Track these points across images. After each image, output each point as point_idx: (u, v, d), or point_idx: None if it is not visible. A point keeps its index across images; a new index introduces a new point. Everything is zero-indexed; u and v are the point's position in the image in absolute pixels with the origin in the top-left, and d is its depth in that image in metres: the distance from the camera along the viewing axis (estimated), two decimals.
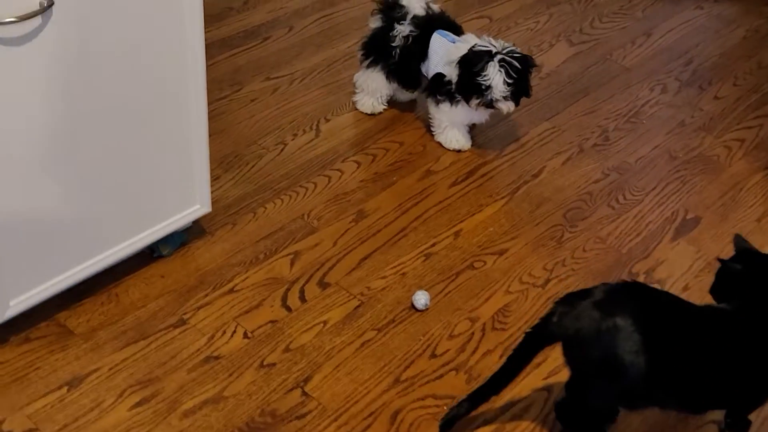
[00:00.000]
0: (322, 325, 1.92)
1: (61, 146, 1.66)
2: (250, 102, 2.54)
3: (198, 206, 2.01)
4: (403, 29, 2.40)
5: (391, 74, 2.45)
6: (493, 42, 2.30)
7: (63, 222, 1.76)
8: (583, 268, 2.10)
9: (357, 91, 2.53)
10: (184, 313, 1.92)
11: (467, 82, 2.28)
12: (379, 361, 1.86)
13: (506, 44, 2.30)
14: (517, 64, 2.27)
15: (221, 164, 2.31)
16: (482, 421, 1.75)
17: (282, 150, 2.38)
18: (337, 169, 2.34)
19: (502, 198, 2.28)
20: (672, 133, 2.54)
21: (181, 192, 1.96)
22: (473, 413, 1.69)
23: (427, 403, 1.78)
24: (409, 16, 2.41)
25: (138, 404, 1.74)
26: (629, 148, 2.48)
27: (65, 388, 1.76)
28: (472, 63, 2.27)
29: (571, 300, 1.59)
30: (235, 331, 1.89)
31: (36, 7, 1.48)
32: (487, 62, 2.25)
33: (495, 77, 2.25)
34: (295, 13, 2.93)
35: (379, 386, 1.81)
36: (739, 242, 1.70)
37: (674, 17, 3.06)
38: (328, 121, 2.50)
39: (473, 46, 2.30)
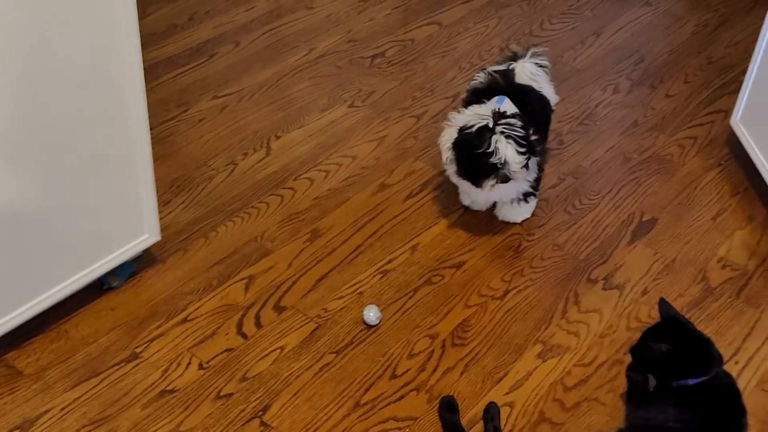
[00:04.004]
0: (279, 351, 1.88)
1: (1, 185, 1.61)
2: (198, 122, 2.49)
3: (147, 235, 1.96)
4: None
5: None
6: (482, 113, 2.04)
7: (7, 261, 1.70)
8: (542, 278, 2.08)
9: None
10: (137, 347, 1.87)
11: (470, 164, 2.03)
12: (338, 386, 1.82)
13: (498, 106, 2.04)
14: (519, 126, 2.00)
15: (171, 188, 2.26)
16: None
17: (233, 170, 2.34)
18: (290, 188, 2.30)
19: (458, 209, 2.25)
20: (625, 133, 2.53)
21: (129, 222, 1.91)
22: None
23: (388, 426, 1.75)
24: (488, 72, 2.23)
25: None
26: (583, 151, 2.46)
27: None
28: (474, 145, 2.00)
29: None
30: (189, 363, 1.85)
31: None
32: (491, 137, 1.99)
33: (505, 150, 1.98)
34: (241, 27, 2.88)
35: (339, 411, 1.77)
36: (665, 308, 1.70)
37: (623, 15, 3.05)
38: (278, 138, 2.46)
39: (463, 128, 2.03)
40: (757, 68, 2.27)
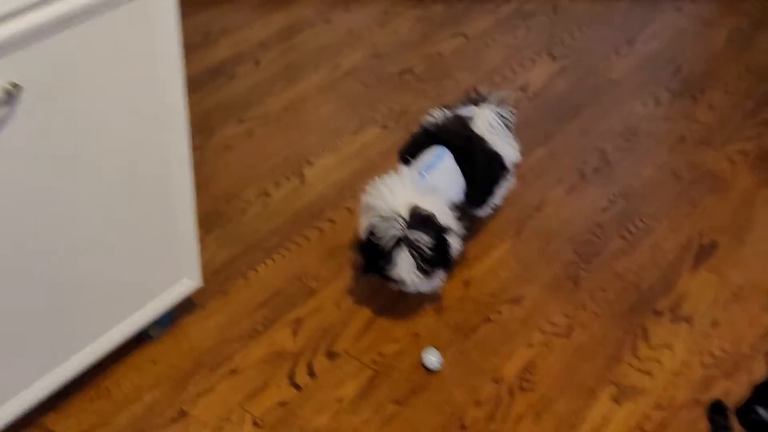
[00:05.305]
0: (337, 402, 1.75)
1: (33, 239, 1.47)
2: (225, 150, 2.35)
3: (188, 281, 1.82)
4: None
5: None
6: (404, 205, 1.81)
7: (42, 319, 1.56)
8: (605, 311, 1.96)
9: None
10: (184, 404, 1.73)
11: (376, 269, 1.85)
12: None
13: (415, 202, 1.81)
14: (427, 245, 1.79)
15: (202, 224, 2.11)
16: None
17: (266, 202, 2.20)
18: (329, 219, 2.17)
19: (509, 237, 2.13)
20: (673, 149, 2.42)
21: (168, 268, 1.77)
22: None
23: None
24: (445, 114, 2.06)
25: None
26: (632, 169, 2.35)
27: None
28: (379, 255, 1.82)
29: None
30: (242, 419, 1.71)
31: (0, 95, 1.28)
32: (395, 250, 1.79)
33: (404, 268, 1.80)
34: (258, 44, 2.75)
35: None
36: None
37: (654, 22, 2.94)
38: (311, 164, 2.32)
39: (373, 227, 1.82)
40: None
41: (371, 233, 1.83)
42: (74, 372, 1.67)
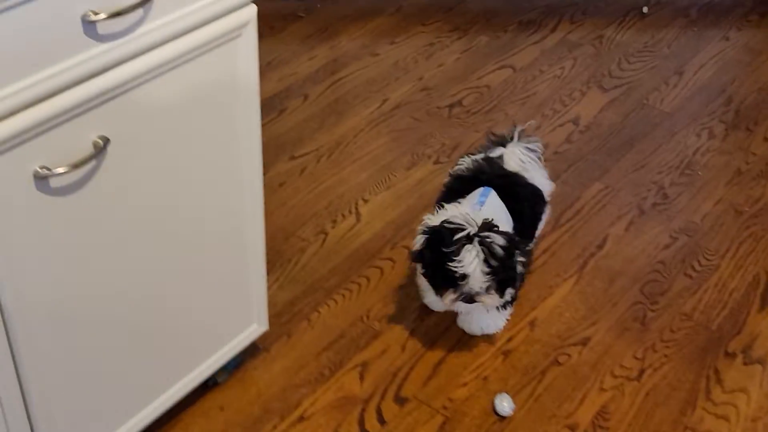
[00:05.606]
0: None
1: (111, 292, 1.45)
2: (279, 187, 2.33)
3: (255, 325, 1.80)
4: (460, 166, 2.04)
5: None
6: (471, 216, 1.79)
7: (115, 373, 1.53)
8: (676, 353, 1.93)
9: None
10: None
11: (439, 263, 1.77)
12: None
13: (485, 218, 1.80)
14: (498, 243, 1.75)
15: None
16: None
17: (324, 241, 2.18)
18: (388, 258, 2.14)
19: (571, 276, 2.10)
20: (731, 183, 2.39)
21: (239, 314, 1.75)
22: None
23: None
24: (473, 159, 2.02)
25: None
26: (691, 204, 2.32)
27: None
28: (445, 242, 1.76)
29: None
30: None
31: (89, 149, 1.26)
32: (465, 243, 1.74)
33: (472, 262, 1.73)
34: (307, 78, 2.73)
35: None
36: None
37: (702, 51, 2.92)
38: (366, 201, 2.30)
39: (447, 220, 1.80)
40: None
41: (444, 224, 1.78)
42: (143, 425, 1.64)
